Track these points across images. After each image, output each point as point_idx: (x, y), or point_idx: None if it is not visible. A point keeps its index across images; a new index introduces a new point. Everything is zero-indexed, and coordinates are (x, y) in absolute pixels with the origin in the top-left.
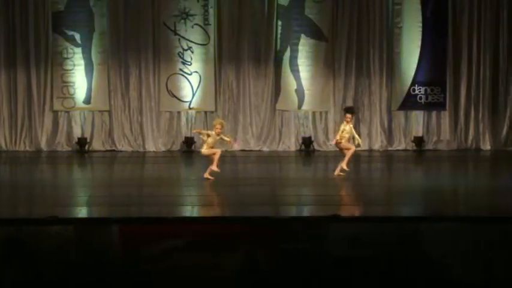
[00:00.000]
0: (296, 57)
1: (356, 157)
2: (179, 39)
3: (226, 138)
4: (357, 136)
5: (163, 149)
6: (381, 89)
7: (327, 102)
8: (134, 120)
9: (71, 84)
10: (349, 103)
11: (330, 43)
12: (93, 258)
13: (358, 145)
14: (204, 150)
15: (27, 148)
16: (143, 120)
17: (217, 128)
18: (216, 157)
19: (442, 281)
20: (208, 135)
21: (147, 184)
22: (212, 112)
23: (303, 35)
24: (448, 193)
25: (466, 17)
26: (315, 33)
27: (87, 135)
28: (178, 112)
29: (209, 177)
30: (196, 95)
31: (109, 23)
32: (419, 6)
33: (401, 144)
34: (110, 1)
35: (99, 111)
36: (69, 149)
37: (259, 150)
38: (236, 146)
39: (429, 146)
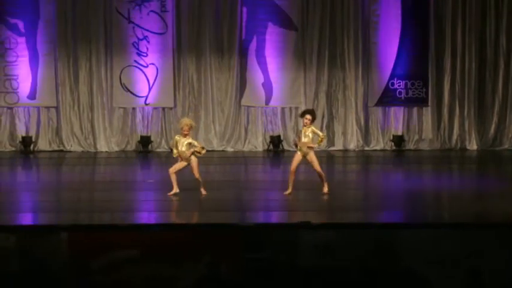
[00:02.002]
0: (263, 48)
1: (330, 158)
2: (134, 27)
3: (196, 144)
4: (319, 133)
5: (116, 149)
6: (357, 83)
7: (297, 97)
8: (84, 117)
9: (14, 77)
10: (322, 98)
11: (300, 32)
12: (37, 269)
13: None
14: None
15: None
16: (94, 117)
17: (184, 130)
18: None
19: None
20: (177, 148)
21: (99, 188)
22: (170, 108)
23: (270, 23)
24: (430, 197)
25: (450, 5)
26: (284, 21)
27: (32, 133)
28: (133, 108)
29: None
30: (153, 89)
31: (56, 10)
32: None
33: (379, 143)
34: None
35: (46, 107)
36: (13, 149)
37: (223, 151)
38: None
39: (410, 146)
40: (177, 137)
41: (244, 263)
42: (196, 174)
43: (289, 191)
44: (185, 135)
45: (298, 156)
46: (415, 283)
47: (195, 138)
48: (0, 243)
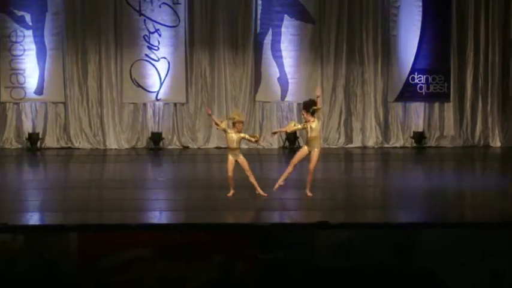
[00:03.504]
0: (279, 42)
1: (348, 155)
2: (145, 20)
3: (251, 138)
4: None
5: (126, 146)
6: (376, 78)
7: (314, 93)
8: (93, 113)
9: (21, 71)
10: (340, 93)
11: (317, 25)
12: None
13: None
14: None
15: None
16: (103, 113)
17: (238, 127)
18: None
19: None
20: (225, 130)
21: (108, 186)
22: (182, 104)
23: (286, 16)
24: (451, 196)
25: None
26: (300, 14)
27: (40, 130)
28: (144, 104)
29: (262, 192)
30: (165, 84)
31: (64, 2)
32: None
33: (398, 140)
34: None
35: (53, 102)
36: (19, 146)
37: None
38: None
39: (431, 143)
40: (229, 131)
41: (259, 264)
42: (249, 172)
43: (279, 183)
44: (239, 131)
45: (304, 151)
46: (434, 284)
47: (210, 134)
48: (7, 243)
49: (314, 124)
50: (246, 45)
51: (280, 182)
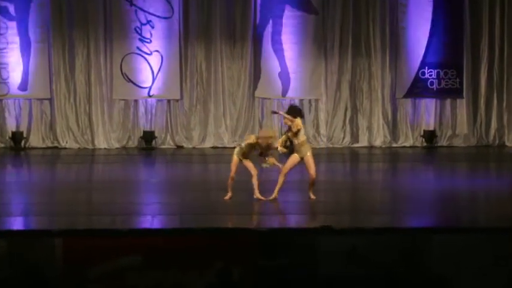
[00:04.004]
0: (279, 33)
1: (354, 155)
2: (136, 11)
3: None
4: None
5: (116, 145)
6: (383, 72)
7: (317, 88)
8: (81, 110)
9: (3, 66)
10: (345, 89)
11: (321, 16)
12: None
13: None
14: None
15: None
16: (92, 110)
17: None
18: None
19: None
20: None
21: (97, 189)
22: (177, 101)
23: (287, 6)
24: (464, 199)
25: None
26: (303, 4)
27: (24, 128)
28: (135, 101)
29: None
30: (158, 79)
31: None
32: None
33: (408, 139)
34: None
35: (38, 99)
36: (1, 145)
37: (235, 147)
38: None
39: (442, 142)
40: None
41: (259, 272)
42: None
43: (274, 195)
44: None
45: (295, 159)
46: None
47: (206, 133)
48: None
49: (299, 130)
50: (244, 37)
51: (275, 194)
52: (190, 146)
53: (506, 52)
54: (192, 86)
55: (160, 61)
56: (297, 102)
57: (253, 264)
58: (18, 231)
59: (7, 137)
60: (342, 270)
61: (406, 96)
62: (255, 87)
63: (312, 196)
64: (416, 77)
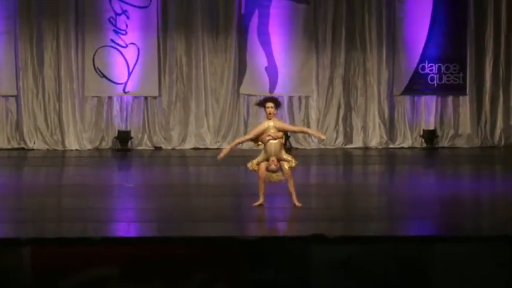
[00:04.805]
0: (266, 24)
1: (347, 157)
2: (110, 0)
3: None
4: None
5: (89, 146)
6: (380, 67)
7: (307, 85)
8: (50, 108)
9: None
10: (338, 85)
11: (312, 5)
12: None
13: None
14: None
15: None
16: (62, 108)
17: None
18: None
19: None
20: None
21: (68, 194)
22: (154, 98)
23: None
24: (467, 205)
25: None
26: None
27: None
28: (110, 98)
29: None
30: (134, 74)
31: None
32: None
33: (406, 140)
34: None
35: (3, 96)
36: None
37: (218, 149)
38: None
39: (443, 143)
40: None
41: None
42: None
43: (260, 201)
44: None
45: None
46: None
47: (186, 133)
48: None
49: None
50: (228, 29)
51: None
52: (169, 147)
53: None
54: (171, 82)
55: (136, 55)
56: (285, 99)
57: (239, 277)
58: None
59: None
60: (335, 282)
61: (404, 93)
62: (239, 83)
63: (298, 203)
64: (416, 72)
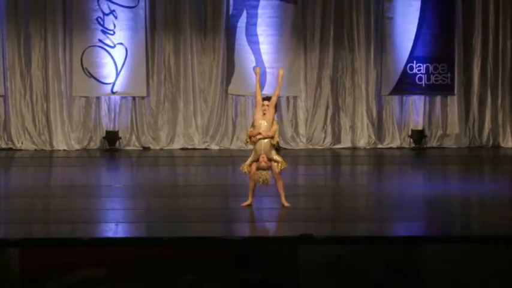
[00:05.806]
0: (255, 25)
1: (335, 157)
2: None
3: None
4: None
5: (77, 147)
6: (368, 67)
7: (296, 85)
8: (38, 108)
9: None
10: (326, 85)
11: (300, 5)
12: None
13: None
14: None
15: None
16: (50, 108)
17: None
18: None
19: None
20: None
21: (56, 194)
22: (143, 98)
23: None
24: (456, 206)
25: None
26: None
27: None
28: (97, 98)
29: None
30: (122, 74)
31: None
32: None
33: (394, 140)
34: None
35: None
36: None
37: (206, 149)
38: None
39: (432, 143)
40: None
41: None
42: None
43: (248, 201)
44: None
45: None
46: None
47: (174, 133)
48: None
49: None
50: (216, 29)
51: (250, 200)
52: (158, 148)
53: (501, 45)
54: (160, 82)
55: (124, 55)
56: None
57: (228, 277)
58: None
59: None
60: (324, 283)
61: (392, 92)
62: (228, 83)
63: (286, 204)
64: (404, 72)
